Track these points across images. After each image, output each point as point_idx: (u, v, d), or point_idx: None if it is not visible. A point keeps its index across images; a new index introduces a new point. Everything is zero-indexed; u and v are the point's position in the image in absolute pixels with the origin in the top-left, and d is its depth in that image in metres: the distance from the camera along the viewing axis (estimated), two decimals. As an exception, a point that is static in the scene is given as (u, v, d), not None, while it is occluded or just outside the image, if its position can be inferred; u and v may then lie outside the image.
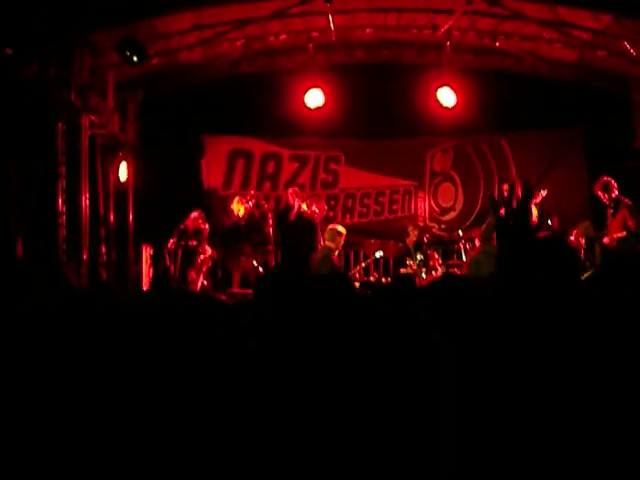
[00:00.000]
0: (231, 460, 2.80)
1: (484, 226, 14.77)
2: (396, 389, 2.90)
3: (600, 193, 14.02)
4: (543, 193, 15.05)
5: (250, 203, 15.13)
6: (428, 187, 18.66)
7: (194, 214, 15.01)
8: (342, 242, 13.96)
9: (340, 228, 14.11)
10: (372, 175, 18.52)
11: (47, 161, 13.34)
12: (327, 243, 13.86)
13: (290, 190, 15.40)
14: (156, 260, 15.68)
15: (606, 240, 13.84)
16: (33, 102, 12.94)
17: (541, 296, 2.57)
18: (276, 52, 16.62)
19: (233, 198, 15.74)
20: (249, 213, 15.08)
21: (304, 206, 14.81)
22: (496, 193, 16.14)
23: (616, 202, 13.81)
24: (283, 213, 15.04)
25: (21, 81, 12.77)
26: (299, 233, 14.71)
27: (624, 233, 13.71)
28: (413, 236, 15.76)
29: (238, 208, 15.10)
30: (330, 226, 14.33)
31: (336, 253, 13.86)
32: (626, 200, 13.76)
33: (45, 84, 12.92)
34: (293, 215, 14.75)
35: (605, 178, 14.05)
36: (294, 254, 14.60)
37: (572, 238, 14.45)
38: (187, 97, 16.67)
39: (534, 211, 15.00)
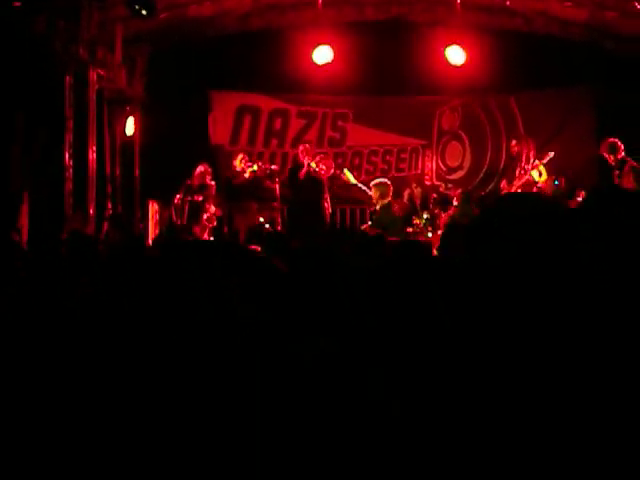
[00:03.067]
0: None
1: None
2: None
3: (606, 154, 13.91)
4: (550, 154, 15.01)
5: (255, 168, 15.11)
6: (436, 146, 18.59)
7: (200, 168, 14.94)
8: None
9: (382, 180, 14.51)
10: (380, 133, 18.45)
11: (55, 114, 13.34)
12: (382, 200, 14.10)
13: (301, 147, 15.40)
14: (162, 215, 15.70)
15: None
16: (41, 56, 12.91)
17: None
18: (285, 7, 16.52)
19: (237, 155, 15.70)
20: (253, 171, 15.08)
21: (312, 164, 14.82)
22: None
23: (622, 163, 13.70)
24: (294, 171, 15.04)
25: (29, 35, 12.74)
26: (308, 191, 14.73)
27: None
28: (417, 193, 15.78)
29: (241, 167, 15.09)
30: (376, 182, 14.56)
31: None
32: (632, 162, 13.65)
33: (53, 38, 12.88)
34: (303, 173, 14.77)
35: (611, 139, 13.94)
36: (303, 212, 14.64)
37: (579, 199, 14.38)
38: (195, 52, 16.59)
39: (543, 172, 15.00)
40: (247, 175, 15.04)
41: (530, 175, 14.92)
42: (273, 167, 15.70)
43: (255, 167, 15.12)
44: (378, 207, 14.33)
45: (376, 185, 14.60)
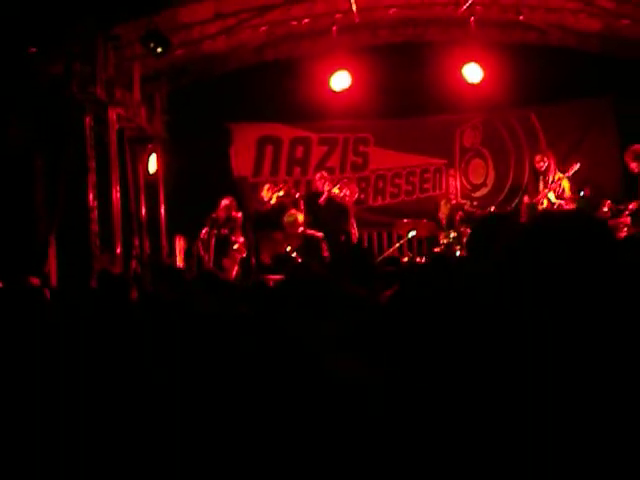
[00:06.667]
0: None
1: None
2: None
3: (630, 161, 13.83)
4: (575, 167, 14.94)
5: (281, 192, 15.14)
6: (459, 164, 18.53)
7: (224, 202, 14.99)
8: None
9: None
10: (402, 155, 18.42)
11: (76, 156, 13.40)
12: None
13: (318, 175, 15.44)
14: (189, 251, 15.73)
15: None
16: (59, 99, 12.99)
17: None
18: (300, 37, 16.59)
19: (263, 185, 15.79)
20: (279, 200, 15.10)
21: (335, 190, 14.81)
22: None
23: (646, 171, 13.63)
24: (312, 198, 15.05)
25: (47, 78, 12.83)
26: (330, 217, 14.72)
27: None
28: (445, 209, 15.70)
29: (268, 196, 15.13)
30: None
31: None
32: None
33: (70, 80, 12.95)
34: (323, 200, 14.76)
35: (636, 146, 13.86)
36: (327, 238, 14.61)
37: (605, 209, 14.26)
38: (213, 86, 16.71)
39: (566, 184, 14.91)
40: (273, 201, 15.08)
41: (555, 189, 14.85)
42: (297, 195, 15.74)
43: (281, 192, 15.16)
44: None
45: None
